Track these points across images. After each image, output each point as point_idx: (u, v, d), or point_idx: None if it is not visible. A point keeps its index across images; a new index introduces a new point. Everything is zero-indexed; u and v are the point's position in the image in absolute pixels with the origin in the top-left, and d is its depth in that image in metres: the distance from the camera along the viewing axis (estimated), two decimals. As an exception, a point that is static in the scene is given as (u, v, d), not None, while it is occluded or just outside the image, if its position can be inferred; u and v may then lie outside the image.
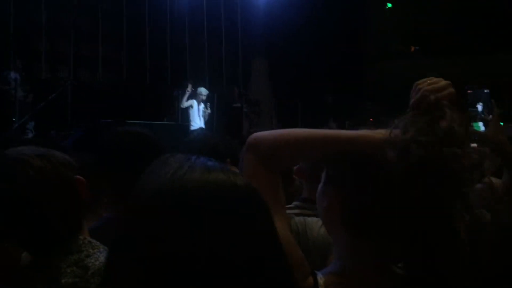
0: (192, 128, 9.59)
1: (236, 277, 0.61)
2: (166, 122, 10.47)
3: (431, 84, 0.98)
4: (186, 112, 9.90)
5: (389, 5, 15.08)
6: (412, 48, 15.00)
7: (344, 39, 13.40)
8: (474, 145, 0.95)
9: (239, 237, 0.62)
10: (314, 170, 1.62)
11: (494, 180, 1.31)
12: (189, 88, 9.76)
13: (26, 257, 1.25)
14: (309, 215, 1.68)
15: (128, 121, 7.55)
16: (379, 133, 0.92)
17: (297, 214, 1.73)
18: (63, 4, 11.02)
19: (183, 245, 0.60)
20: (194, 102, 9.68)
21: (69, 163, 1.22)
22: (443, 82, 0.99)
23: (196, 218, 0.61)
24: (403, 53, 14.83)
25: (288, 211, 1.52)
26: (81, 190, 1.21)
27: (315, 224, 1.56)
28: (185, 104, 9.74)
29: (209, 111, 9.86)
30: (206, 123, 9.83)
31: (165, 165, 0.67)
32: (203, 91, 9.74)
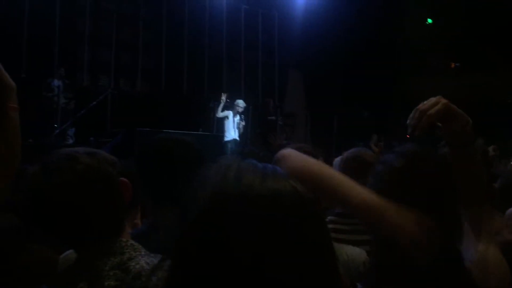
0: (226, 139, 9.65)
1: (293, 282, 0.61)
2: (201, 132, 10.58)
3: (424, 105, 1.09)
4: (221, 123, 9.97)
5: (430, 20, 14.83)
6: (453, 64, 14.68)
7: (381, 52, 13.25)
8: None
9: (299, 243, 0.62)
10: None
11: None
12: (224, 98, 9.83)
13: (67, 258, 1.27)
14: (343, 230, 1.65)
15: (164, 130, 7.68)
16: (407, 215, 0.88)
17: (331, 229, 1.71)
18: (106, 14, 11.37)
19: (247, 249, 0.60)
20: (230, 113, 9.74)
21: (114, 162, 1.24)
22: (432, 101, 1.08)
23: (262, 223, 0.61)
24: (443, 68, 14.55)
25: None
26: (125, 192, 1.22)
27: (342, 249, 1.53)
28: (220, 114, 9.82)
29: (243, 123, 9.90)
30: (240, 134, 9.87)
31: (226, 169, 0.67)
32: (240, 103, 9.79)
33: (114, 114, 9.84)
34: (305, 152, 1.17)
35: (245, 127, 10.07)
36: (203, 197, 0.65)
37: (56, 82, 9.37)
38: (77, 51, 10.96)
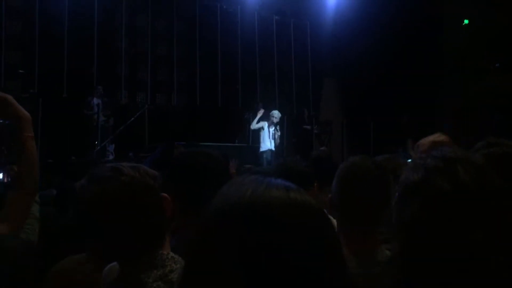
0: (261, 150, 9.67)
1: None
2: (236, 144, 10.64)
3: None
4: (256, 134, 10.00)
5: (466, 21, 14.48)
6: (493, 66, 14.26)
7: (418, 56, 13.00)
8: None
9: (314, 253, 0.65)
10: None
11: None
12: (261, 110, 9.87)
13: (111, 270, 1.30)
14: None
15: (201, 143, 7.76)
16: None
17: None
18: (141, 32, 11.66)
19: (265, 258, 0.63)
20: (265, 124, 9.76)
21: (155, 176, 1.27)
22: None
23: (276, 233, 0.64)
24: (484, 69, 14.13)
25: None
26: (166, 207, 1.25)
27: None
28: (255, 125, 9.85)
29: (279, 133, 9.89)
30: (276, 145, 9.86)
31: (244, 183, 0.70)
32: (275, 113, 9.80)
33: (151, 129, 10.04)
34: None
35: (280, 137, 10.06)
36: (220, 207, 0.68)
37: (96, 100, 9.64)
38: (115, 69, 11.27)
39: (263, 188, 0.68)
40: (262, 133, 9.76)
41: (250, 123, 10.15)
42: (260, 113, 9.85)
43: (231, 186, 0.71)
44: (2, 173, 5.93)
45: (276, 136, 9.78)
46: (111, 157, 9.63)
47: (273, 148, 9.75)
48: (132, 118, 9.81)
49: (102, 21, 10.89)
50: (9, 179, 4.73)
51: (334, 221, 1.63)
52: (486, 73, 13.97)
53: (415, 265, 0.87)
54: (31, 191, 1.66)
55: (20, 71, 9.70)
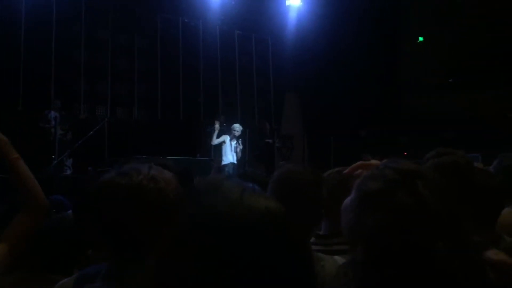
0: (223, 163, 9.65)
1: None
2: (198, 158, 10.60)
3: None
4: (218, 147, 9.98)
5: (421, 38, 15.03)
6: (447, 82, 14.83)
7: (376, 72, 13.38)
8: None
9: (290, 258, 0.68)
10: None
11: None
12: (217, 126, 9.82)
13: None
14: (323, 252, 1.63)
15: (161, 157, 7.68)
16: None
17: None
18: (101, 45, 11.51)
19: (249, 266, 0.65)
20: (227, 138, 9.76)
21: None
22: None
23: (263, 240, 0.67)
24: (439, 86, 14.67)
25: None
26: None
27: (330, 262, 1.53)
28: (215, 141, 9.79)
29: (241, 146, 9.91)
30: (238, 158, 9.87)
31: (224, 190, 0.71)
32: (237, 127, 9.82)
33: (111, 143, 9.86)
34: None
35: (242, 150, 10.07)
36: (203, 214, 0.69)
37: (53, 114, 9.42)
38: (74, 82, 11.05)
39: (248, 196, 0.70)
40: (224, 147, 9.75)
41: (212, 137, 10.12)
42: (216, 129, 9.79)
43: (210, 196, 0.71)
44: None
45: (238, 150, 9.79)
46: (68, 172, 9.40)
47: (235, 162, 9.75)
48: (91, 132, 9.61)
49: (61, 33, 10.68)
50: None
51: None
52: (440, 89, 14.51)
53: (377, 273, 0.90)
54: (34, 209, 1.69)
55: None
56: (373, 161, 1.18)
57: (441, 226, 0.91)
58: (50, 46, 10.37)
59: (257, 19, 13.13)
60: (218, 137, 9.82)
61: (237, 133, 9.77)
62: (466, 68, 13.74)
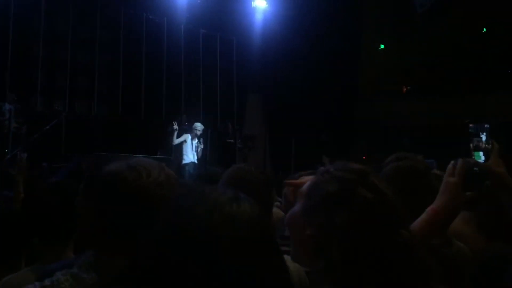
0: (184, 162, 9.59)
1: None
2: (159, 156, 10.47)
3: None
4: (179, 146, 9.90)
5: (382, 46, 15.41)
6: (404, 89, 15.28)
7: (337, 77, 13.61)
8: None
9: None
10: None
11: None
12: (176, 126, 9.71)
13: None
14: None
15: (121, 154, 7.55)
16: None
17: None
18: (61, 38, 11.21)
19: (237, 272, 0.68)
20: (188, 137, 9.69)
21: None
22: None
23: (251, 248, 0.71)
24: (396, 93, 15.08)
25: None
26: None
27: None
28: (176, 141, 9.69)
29: (202, 146, 9.87)
30: (198, 158, 9.83)
31: (211, 198, 0.75)
32: (198, 126, 9.77)
33: (69, 139, 9.61)
34: None
35: (203, 150, 10.03)
36: (198, 222, 0.71)
37: (8, 106, 9.10)
38: (31, 75, 10.70)
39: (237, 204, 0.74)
40: (184, 146, 9.68)
41: (172, 137, 10.02)
42: (175, 130, 9.67)
43: (196, 200, 0.74)
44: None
45: (199, 149, 9.75)
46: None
47: (196, 161, 9.71)
48: (47, 126, 9.34)
49: (19, 25, 10.33)
50: None
51: None
52: (398, 96, 14.92)
53: (355, 268, 0.95)
54: None
55: None
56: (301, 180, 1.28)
57: (401, 216, 1.00)
58: (7, 37, 10.01)
59: (222, 19, 13.11)
60: (178, 136, 9.74)
61: (198, 132, 9.73)
62: (424, 77, 14.19)
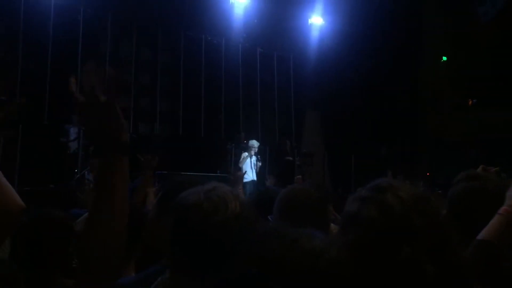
0: (245, 180, 9.64)
1: None
2: (218, 174, 10.60)
3: None
4: (237, 164, 9.99)
5: (444, 58, 14.91)
6: (470, 102, 14.63)
7: (398, 90, 13.29)
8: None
9: None
10: None
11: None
12: (246, 154, 9.85)
13: None
14: None
15: (183, 173, 7.71)
16: None
17: None
18: (124, 61, 11.70)
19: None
20: (246, 155, 9.77)
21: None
22: None
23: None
24: (461, 106, 14.49)
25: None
26: None
27: None
28: (241, 163, 9.80)
29: (260, 163, 9.90)
30: (257, 175, 9.86)
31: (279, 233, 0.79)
32: (254, 143, 9.84)
33: (132, 158, 9.92)
34: None
35: (262, 168, 10.06)
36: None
37: (74, 129, 9.55)
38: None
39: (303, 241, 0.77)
40: (244, 164, 9.76)
41: (232, 153, 10.14)
42: (243, 157, 9.81)
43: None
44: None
45: (257, 167, 9.79)
46: (91, 186, 9.46)
47: (255, 178, 9.74)
48: (113, 147, 9.69)
49: (86, 50, 10.90)
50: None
51: None
52: (463, 108, 14.31)
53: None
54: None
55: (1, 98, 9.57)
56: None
57: (407, 232, 0.94)
58: (75, 61, 10.59)
59: (279, 37, 13.21)
60: (237, 155, 9.86)
61: (255, 150, 9.79)
62: (488, 89, 13.55)
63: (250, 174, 9.67)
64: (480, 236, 1.51)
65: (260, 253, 0.74)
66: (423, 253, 0.94)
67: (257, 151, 9.84)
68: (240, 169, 10.03)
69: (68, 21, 10.55)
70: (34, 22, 10.02)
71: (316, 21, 13.78)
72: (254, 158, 9.77)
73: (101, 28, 11.14)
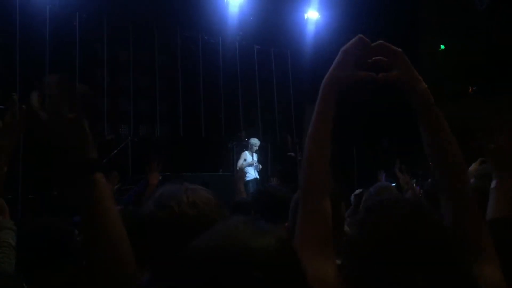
0: (247, 179, 9.63)
1: None
2: (220, 174, 10.61)
3: None
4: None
5: (442, 46, 14.86)
6: (470, 89, 14.57)
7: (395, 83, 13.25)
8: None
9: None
10: None
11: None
12: (244, 153, 9.81)
13: None
14: None
15: (185, 173, 7.72)
16: None
17: None
18: (122, 65, 11.69)
19: None
20: (247, 154, 9.76)
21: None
22: None
23: None
24: (461, 94, 14.44)
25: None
26: None
27: None
28: (239, 163, 9.75)
29: (260, 166, 9.90)
30: (259, 172, 9.85)
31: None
32: (255, 141, 9.82)
33: (135, 161, 9.95)
34: None
35: (265, 164, 10.05)
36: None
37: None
38: (97, 102, 11.20)
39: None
40: (245, 163, 9.74)
41: (233, 152, 10.12)
42: (242, 156, 9.77)
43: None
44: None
45: (259, 164, 9.78)
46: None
47: (257, 176, 9.73)
48: (115, 151, 9.73)
49: (84, 54, 10.89)
50: None
51: None
52: (462, 97, 14.27)
53: None
54: None
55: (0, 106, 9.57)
56: None
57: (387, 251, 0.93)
58: (74, 66, 10.58)
59: (275, 33, 13.18)
60: (238, 153, 9.84)
61: (255, 148, 9.77)
62: (487, 76, 13.50)
63: (252, 172, 9.66)
64: (490, 215, 1.50)
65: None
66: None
67: (257, 149, 9.82)
68: (236, 163, 10.04)
69: (64, 26, 10.53)
70: (30, 29, 10.01)
71: (312, 15, 13.75)
72: (255, 156, 9.76)
73: (98, 32, 11.12)
